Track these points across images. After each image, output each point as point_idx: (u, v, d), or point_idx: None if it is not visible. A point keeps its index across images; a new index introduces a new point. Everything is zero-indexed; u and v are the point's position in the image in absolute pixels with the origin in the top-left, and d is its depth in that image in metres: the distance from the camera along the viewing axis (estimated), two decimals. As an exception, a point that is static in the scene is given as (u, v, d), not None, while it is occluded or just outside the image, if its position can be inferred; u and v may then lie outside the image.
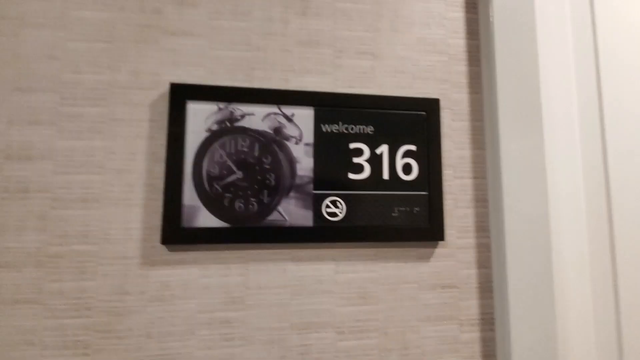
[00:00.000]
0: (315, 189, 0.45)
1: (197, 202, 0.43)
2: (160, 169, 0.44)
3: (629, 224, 0.59)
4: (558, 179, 0.53)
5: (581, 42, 0.59)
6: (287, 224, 0.44)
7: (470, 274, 0.47)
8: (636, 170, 0.61)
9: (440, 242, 0.47)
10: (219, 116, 0.45)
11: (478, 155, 0.50)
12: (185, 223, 0.43)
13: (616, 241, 0.58)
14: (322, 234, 0.44)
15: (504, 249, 0.47)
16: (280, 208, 0.44)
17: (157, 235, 0.43)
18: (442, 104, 0.50)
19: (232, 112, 0.46)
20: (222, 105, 0.45)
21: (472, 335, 0.46)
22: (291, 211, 0.45)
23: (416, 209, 0.46)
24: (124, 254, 0.42)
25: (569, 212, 0.54)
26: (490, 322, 0.47)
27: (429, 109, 0.49)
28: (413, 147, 0.48)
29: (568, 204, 0.54)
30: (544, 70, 0.55)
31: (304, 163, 0.46)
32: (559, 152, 0.55)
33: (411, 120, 0.48)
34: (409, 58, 0.50)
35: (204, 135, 0.45)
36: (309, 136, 0.46)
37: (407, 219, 0.46)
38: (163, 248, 0.43)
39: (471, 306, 0.46)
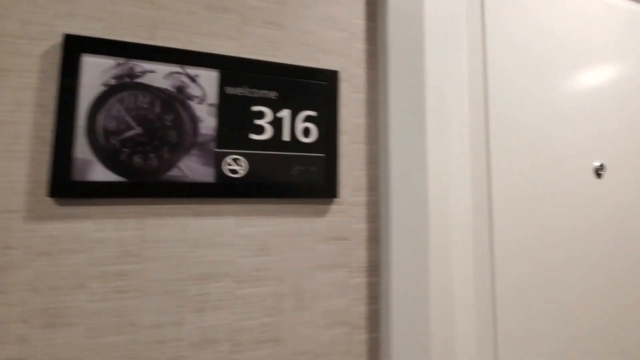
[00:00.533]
0: (217, 147, 0.47)
1: (91, 156, 0.43)
2: (49, 122, 0.43)
3: (505, 178, 0.70)
4: (439, 147, 0.62)
5: (470, 31, 0.69)
6: (188, 179, 0.46)
7: (361, 227, 0.53)
8: (513, 125, 0.73)
9: (335, 199, 0.52)
10: (117, 71, 0.45)
11: (371, 124, 0.56)
12: (77, 176, 0.42)
13: (494, 198, 0.69)
14: (223, 190, 0.47)
15: (389, 206, 0.53)
16: (180, 164, 0.46)
17: (45, 189, 0.42)
18: (342, 76, 0.55)
19: (131, 68, 0.45)
20: (121, 60, 0.45)
21: (360, 281, 0.52)
22: (192, 167, 0.46)
23: (313, 168, 0.51)
24: (6, 207, 0.40)
25: (448, 173, 0.63)
26: (376, 269, 0.53)
27: (329, 79, 0.53)
28: (313, 113, 0.52)
29: (447, 166, 0.63)
30: (430, 53, 0.63)
31: (207, 122, 0.47)
32: (441, 124, 0.64)
33: (313, 89, 0.53)
34: (313, 32, 0.54)
35: (100, 89, 0.44)
36: (212, 97, 0.48)
37: (305, 177, 0.50)
38: (52, 202, 0.42)
39: (360, 255, 0.52)
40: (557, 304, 0.75)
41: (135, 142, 0.45)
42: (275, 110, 0.50)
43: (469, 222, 0.69)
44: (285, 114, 0.51)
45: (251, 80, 0.50)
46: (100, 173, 0.43)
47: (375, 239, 0.54)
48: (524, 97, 0.77)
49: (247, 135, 0.49)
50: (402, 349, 0.52)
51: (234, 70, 0.49)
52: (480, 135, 0.72)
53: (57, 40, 0.44)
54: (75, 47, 0.44)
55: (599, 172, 0.87)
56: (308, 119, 0.52)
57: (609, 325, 0.81)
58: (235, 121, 0.49)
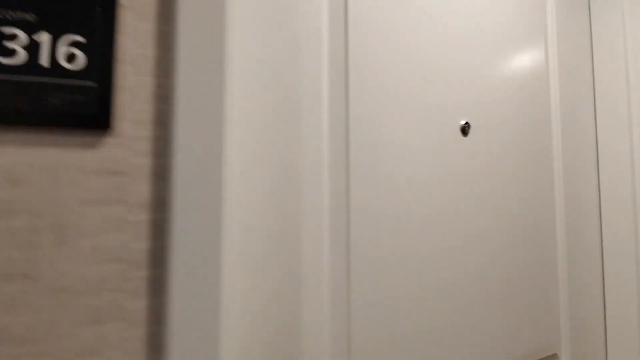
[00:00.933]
0: (-50, 69, 0.43)
1: None
2: None
3: (363, 134, 0.69)
4: (236, 81, 0.60)
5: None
6: None
7: (144, 162, 0.51)
8: (375, 81, 0.71)
9: (112, 132, 0.49)
10: None
11: (163, 57, 0.53)
12: None
13: (350, 153, 0.68)
14: (-41, 115, 0.43)
15: (176, 140, 0.51)
16: None
17: None
18: (125, 3, 0.51)
19: None
20: None
21: (142, 217, 0.50)
22: None
23: (81, 98, 0.48)
24: None
25: (245, 110, 0.61)
26: (162, 205, 0.51)
27: (104, 4, 0.50)
28: (82, 39, 0.48)
29: (247, 102, 0.61)
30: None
31: (-62, 41, 0.43)
32: (263, 65, 0.62)
33: (82, 13, 0.49)
34: (90, -47, 0.50)
35: None
36: (-52, 15, 0.44)
37: (70, 107, 0.47)
38: None
39: (143, 191, 0.50)
40: (417, 263, 0.76)
41: None
42: (32, 33, 0.46)
43: (313, 175, 0.68)
44: (44, 38, 0.47)
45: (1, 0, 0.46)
46: None
47: (162, 175, 0.52)
48: (388, 51, 0.76)
49: (-8, 57, 0.45)
50: (188, 285, 0.51)
51: (-22, -13, 0.45)
52: (338, 89, 0.70)
53: None
54: None
55: (465, 130, 0.89)
56: (75, 44, 0.48)
57: (479, 289, 0.83)
58: (-23, 42, 0.44)
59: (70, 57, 0.48)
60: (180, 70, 0.52)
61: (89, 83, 0.48)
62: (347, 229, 0.71)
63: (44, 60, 0.46)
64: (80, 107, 0.47)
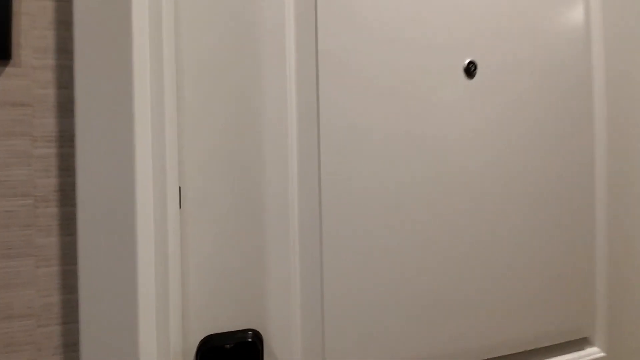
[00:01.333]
0: None
1: None
2: None
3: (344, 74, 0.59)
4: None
5: None
6: None
7: (47, 93, 0.48)
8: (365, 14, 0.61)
9: (13, 62, 0.47)
10: None
11: (64, -22, 0.49)
12: None
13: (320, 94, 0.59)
14: None
15: (78, 68, 0.47)
16: None
17: None
18: None
19: None
20: None
21: (48, 151, 0.48)
22: None
23: (-25, 25, 0.46)
24: None
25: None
26: (69, 139, 0.48)
27: None
28: (-26, -38, 0.46)
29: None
30: None
31: None
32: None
33: None
34: None
35: None
36: None
37: (-35, 35, 0.45)
38: None
39: (48, 124, 0.48)
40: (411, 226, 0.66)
41: None
42: None
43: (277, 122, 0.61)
44: (-64, -38, 0.45)
45: None
46: None
47: (69, 107, 0.48)
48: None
49: None
50: (100, 223, 0.48)
51: None
52: (307, 20, 0.61)
53: None
54: None
55: (470, 71, 0.73)
56: (-33, -32, 0.46)
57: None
58: None
59: (-37, -18, 0.46)
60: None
61: (-17, 8, 0.46)
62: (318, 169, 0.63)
63: (-64, -14, 0.45)
64: (-25, 35, 0.46)
